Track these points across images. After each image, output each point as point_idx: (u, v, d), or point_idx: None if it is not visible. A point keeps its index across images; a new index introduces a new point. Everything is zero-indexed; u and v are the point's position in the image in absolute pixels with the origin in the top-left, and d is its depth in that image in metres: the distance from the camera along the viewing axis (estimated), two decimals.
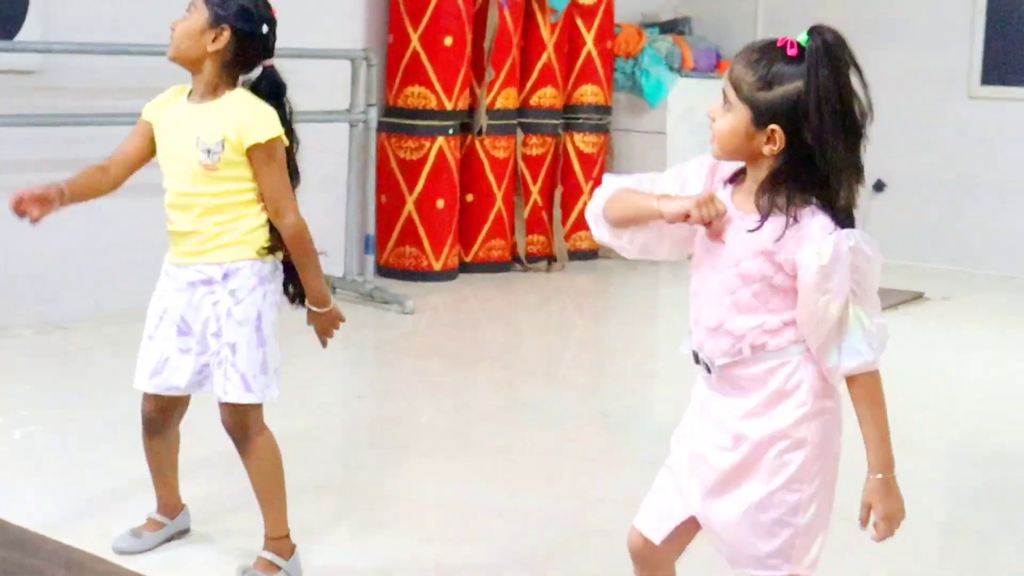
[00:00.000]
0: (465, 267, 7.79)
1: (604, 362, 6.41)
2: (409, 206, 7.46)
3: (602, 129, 8.51)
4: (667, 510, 2.56)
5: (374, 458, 4.52)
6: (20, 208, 3.25)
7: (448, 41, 7.43)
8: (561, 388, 5.64)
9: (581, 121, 8.38)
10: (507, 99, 7.87)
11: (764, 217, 2.43)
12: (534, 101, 8.08)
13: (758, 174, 2.48)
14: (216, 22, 3.19)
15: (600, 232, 2.64)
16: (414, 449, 4.66)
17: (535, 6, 7.99)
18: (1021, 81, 8.52)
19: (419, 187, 7.46)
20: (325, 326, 3.32)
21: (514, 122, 7.96)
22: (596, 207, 2.61)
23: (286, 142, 3.28)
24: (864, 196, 8.11)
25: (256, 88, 3.30)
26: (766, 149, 2.44)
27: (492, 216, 7.83)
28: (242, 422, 3.25)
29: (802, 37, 2.50)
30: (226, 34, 3.20)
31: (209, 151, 3.18)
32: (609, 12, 8.44)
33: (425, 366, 6.00)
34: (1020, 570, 3.77)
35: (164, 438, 3.48)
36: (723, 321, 2.48)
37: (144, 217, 5.14)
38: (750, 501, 2.45)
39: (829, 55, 2.49)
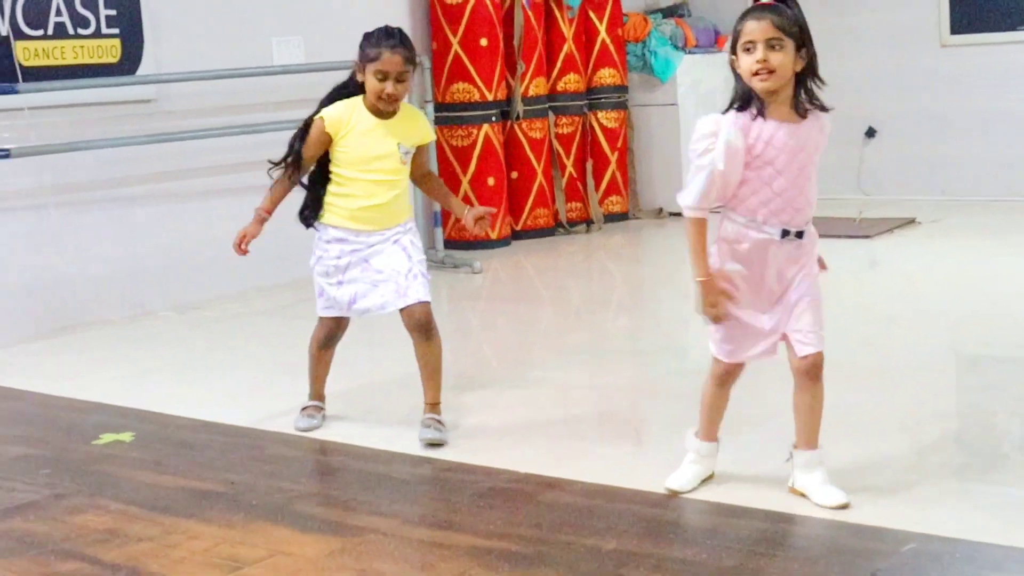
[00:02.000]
0: (516, 235, 8.97)
1: (640, 306, 7.48)
2: (464, 186, 8.65)
3: (621, 106, 9.65)
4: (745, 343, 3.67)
5: (473, 371, 5.68)
6: (242, 250, 4.54)
7: (483, 42, 8.62)
8: (604, 328, 6.73)
9: (603, 100, 9.54)
10: (538, 87, 9.04)
11: (812, 111, 3.55)
12: (561, 87, 9.25)
13: (786, 92, 3.52)
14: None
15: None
16: (500, 373, 5.83)
17: (553, 5, 9.17)
18: (984, 28, 9.60)
19: (471, 169, 8.65)
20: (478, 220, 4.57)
21: (545, 106, 9.13)
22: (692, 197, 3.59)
23: None
24: (857, 142, 9.47)
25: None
26: (798, 67, 3.52)
27: (535, 189, 9.01)
28: (429, 319, 4.47)
29: None
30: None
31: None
32: (617, 3, 9.59)
33: (495, 311, 7.17)
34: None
35: (331, 349, 4.70)
36: (811, 198, 3.59)
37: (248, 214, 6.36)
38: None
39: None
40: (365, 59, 4.43)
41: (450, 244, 8.60)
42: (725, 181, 3.55)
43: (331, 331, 4.70)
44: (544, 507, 3.75)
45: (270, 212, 4.57)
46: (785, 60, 3.50)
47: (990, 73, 9.62)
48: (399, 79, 4.41)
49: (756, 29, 3.50)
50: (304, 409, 4.78)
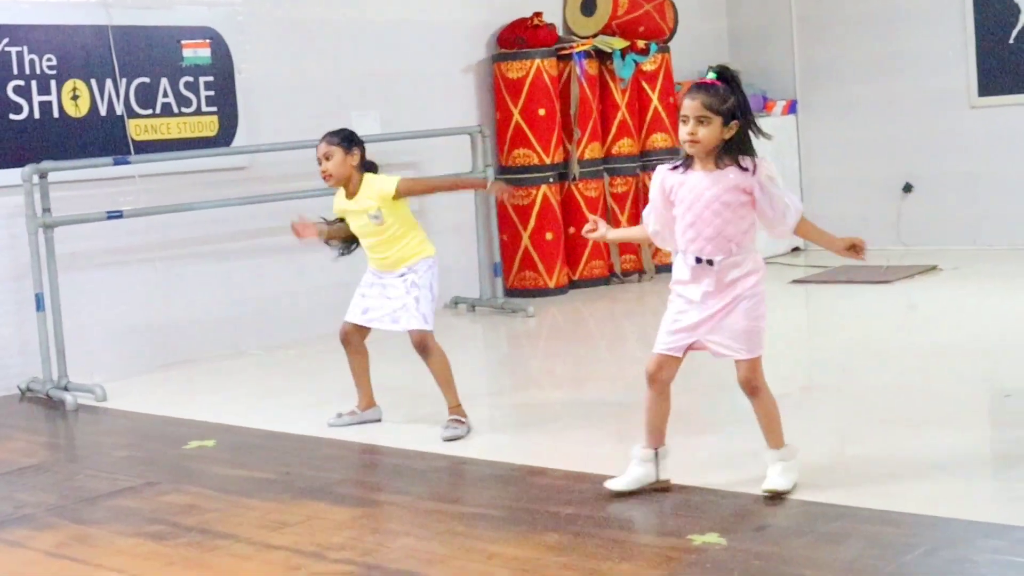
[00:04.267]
0: (574, 284, 9.95)
1: None
2: (525, 240, 9.68)
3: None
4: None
5: (530, 399, 6.67)
6: (298, 231, 5.76)
7: (542, 112, 9.66)
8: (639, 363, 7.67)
9: (655, 162, 10.46)
10: (593, 151, 10.04)
11: (731, 165, 4.35)
12: (616, 150, 10.24)
13: (711, 151, 4.35)
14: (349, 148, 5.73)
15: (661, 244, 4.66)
16: (534, 392, 6.81)
17: (607, 77, 10.18)
18: (1008, 90, 10.41)
19: (531, 225, 9.68)
20: (500, 192, 5.88)
21: (600, 168, 10.12)
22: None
23: None
24: (896, 197, 10.42)
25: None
26: (727, 135, 4.34)
27: (591, 243, 9.99)
28: (423, 342, 5.58)
29: (711, 74, 4.41)
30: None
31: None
32: (668, 74, 10.55)
33: (546, 350, 8.15)
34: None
35: (352, 350, 5.86)
36: (727, 233, 4.36)
37: (332, 265, 7.43)
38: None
39: (735, 79, 4.43)
40: None
41: (511, 293, 9.60)
42: (655, 211, 4.53)
43: (346, 334, 5.87)
44: (528, 486, 4.72)
45: (323, 233, 5.83)
46: (709, 133, 4.34)
47: (1015, 131, 10.41)
48: (326, 157, 5.65)
49: (689, 106, 4.37)
50: (343, 412, 5.95)
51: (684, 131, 4.38)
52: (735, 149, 4.40)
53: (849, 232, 4.55)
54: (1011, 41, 10.35)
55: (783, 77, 11.35)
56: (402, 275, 5.67)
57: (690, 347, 4.51)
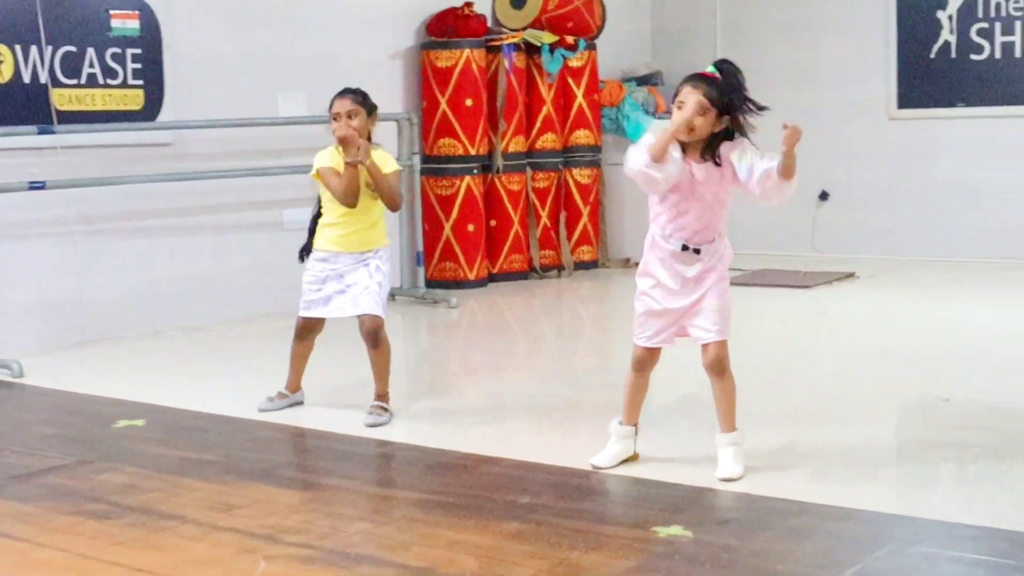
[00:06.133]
0: (493, 277, 9.88)
1: (605, 343, 8.37)
2: (447, 231, 9.58)
3: (595, 164, 10.59)
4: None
5: (441, 379, 6.58)
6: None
7: (469, 103, 9.57)
8: (570, 357, 7.65)
9: (577, 159, 10.47)
10: (517, 144, 9.98)
11: (716, 162, 4.39)
12: (539, 145, 10.19)
13: (700, 141, 4.37)
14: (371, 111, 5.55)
15: (647, 170, 4.31)
16: (464, 382, 6.74)
17: (535, 71, 10.13)
18: (927, 104, 10.57)
19: (453, 215, 9.58)
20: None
21: (524, 162, 10.07)
22: (642, 157, 4.34)
23: None
24: (811, 205, 10.51)
25: None
26: (717, 128, 4.36)
27: (511, 236, 9.94)
28: (376, 329, 5.46)
29: (711, 68, 4.41)
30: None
31: None
32: (594, 71, 10.55)
33: (475, 341, 8.07)
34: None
35: (305, 343, 5.71)
36: (712, 224, 4.44)
37: (256, 247, 7.27)
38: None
39: (735, 73, 4.42)
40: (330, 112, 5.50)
41: (431, 284, 9.50)
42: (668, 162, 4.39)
43: (305, 327, 5.69)
44: (480, 475, 4.64)
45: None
46: (705, 124, 4.36)
47: (932, 144, 10.57)
48: (350, 116, 5.41)
49: (690, 95, 4.35)
50: (272, 396, 5.76)
51: (679, 116, 4.34)
52: (719, 144, 4.43)
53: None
54: (932, 56, 10.50)
55: None
56: (364, 259, 5.53)
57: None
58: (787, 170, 4.32)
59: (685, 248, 4.47)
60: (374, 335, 5.48)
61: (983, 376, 6.25)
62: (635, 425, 4.68)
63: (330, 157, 5.55)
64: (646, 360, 4.62)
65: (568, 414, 5.72)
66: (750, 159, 4.38)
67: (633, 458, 4.66)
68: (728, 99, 4.37)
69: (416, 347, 7.83)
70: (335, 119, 5.46)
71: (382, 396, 5.53)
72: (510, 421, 5.63)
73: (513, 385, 6.46)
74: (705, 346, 4.50)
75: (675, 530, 3.93)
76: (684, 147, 4.41)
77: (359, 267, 5.50)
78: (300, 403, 5.82)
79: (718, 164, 4.42)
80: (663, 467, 4.63)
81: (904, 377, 6.30)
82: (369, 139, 5.55)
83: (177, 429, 5.54)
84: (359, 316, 5.48)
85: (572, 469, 4.68)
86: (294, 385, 5.82)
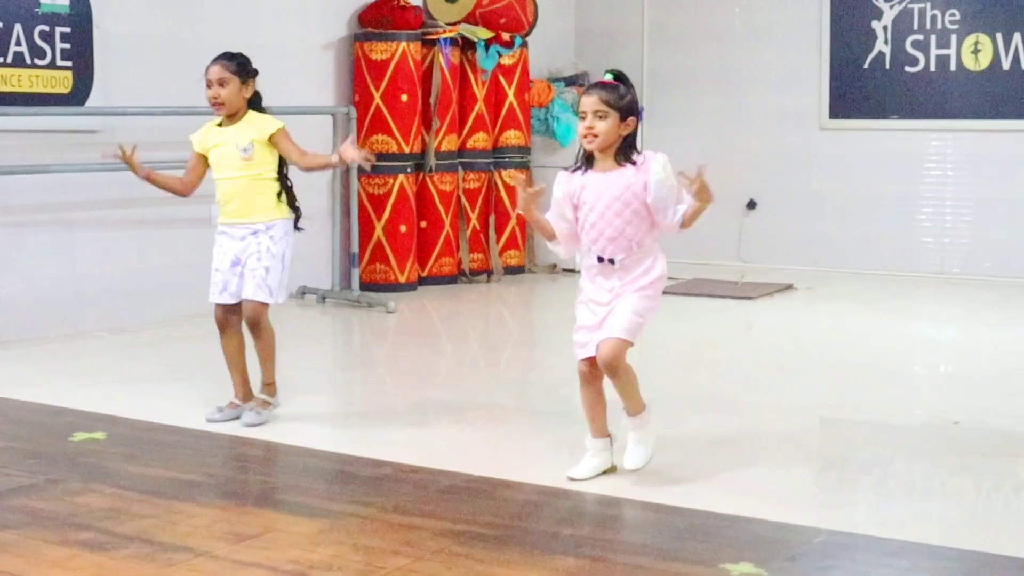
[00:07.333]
0: (423, 280, 9.48)
1: (532, 345, 8.06)
2: (378, 231, 9.16)
3: (524, 165, 10.25)
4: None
5: (394, 383, 6.18)
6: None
7: (404, 98, 9.17)
8: (496, 360, 7.32)
9: (507, 159, 10.14)
10: (450, 143, 9.61)
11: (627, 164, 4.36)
12: (470, 144, 9.84)
13: (610, 149, 4.34)
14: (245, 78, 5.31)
15: (552, 248, 4.60)
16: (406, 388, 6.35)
17: (468, 68, 9.76)
18: (859, 114, 10.46)
19: (386, 215, 9.16)
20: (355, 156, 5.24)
21: (456, 161, 9.70)
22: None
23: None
24: (738, 213, 10.30)
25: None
26: (624, 131, 4.34)
27: (442, 239, 9.56)
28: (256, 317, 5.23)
29: (609, 75, 4.44)
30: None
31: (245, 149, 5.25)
32: (525, 70, 10.23)
33: (402, 345, 7.68)
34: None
35: (227, 338, 5.37)
36: (627, 233, 4.33)
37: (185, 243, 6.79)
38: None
39: (627, 80, 4.45)
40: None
41: (361, 286, 9.07)
42: (558, 218, 4.50)
43: (217, 318, 5.40)
44: (504, 501, 4.27)
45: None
46: (608, 128, 4.36)
47: (863, 155, 10.45)
48: (220, 84, 5.24)
49: (587, 102, 4.38)
50: (223, 406, 5.43)
51: (582, 127, 4.40)
52: (632, 147, 4.42)
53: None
54: (865, 66, 10.39)
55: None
56: (255, 233, 5.25)
57: None
58: (688, 222, 4.40)
59: (600, 260, 4.43)
60: (254, 322, 5.30)
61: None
62: (608, 437, 4.55)
63: (203, 131, 5.40)
64: (586, 372, 4.49)
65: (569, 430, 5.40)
66: (668, 189, 4.35)
67: (611, 470, 4.54)
68: (628, 102, 4.38)
69: (351, 352, 7.41)
70: (208, 86, 5.31)
71: (269, 386, 5.38)
72: (504, 439, 5.27)
73: (471, 396, 6.09)
74: (603, 342, 4.38)
75: (746, 567, 3.62)
76: (593, 158, 4.42)
77: (252, 242, 5.28)
78: (276, 406, 5.44)
79: (634, 163, 4.38)
80: (688, 493, 4.33)
81: (855, 391, 6.10)
82: (253, 106, 5.40)
83: (140, 443, 5.07)
84: (242, 303, 5.29)
85: (597, 495, 4.36)
86: (244, 392, 5.42)
